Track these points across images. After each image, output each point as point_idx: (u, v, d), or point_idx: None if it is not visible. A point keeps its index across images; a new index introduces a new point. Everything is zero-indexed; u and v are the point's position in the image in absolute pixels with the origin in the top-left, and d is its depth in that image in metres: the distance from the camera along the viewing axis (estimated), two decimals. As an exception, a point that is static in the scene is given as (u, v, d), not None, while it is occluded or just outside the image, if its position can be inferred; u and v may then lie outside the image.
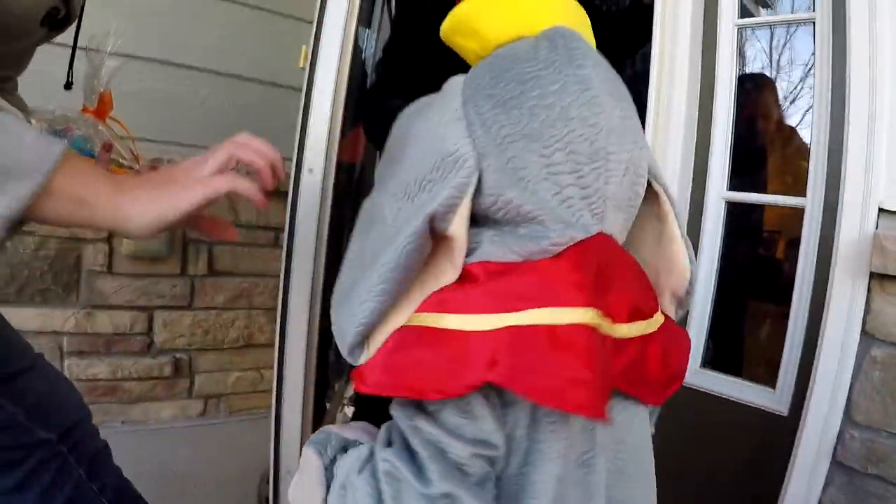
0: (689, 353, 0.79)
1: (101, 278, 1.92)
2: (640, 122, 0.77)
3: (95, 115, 1.19)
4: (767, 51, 2.89)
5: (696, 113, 1.60)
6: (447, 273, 0.72)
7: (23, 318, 1.87)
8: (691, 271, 0.80)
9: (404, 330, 0.70)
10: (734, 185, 1.64)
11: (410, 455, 0.68)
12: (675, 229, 0.80)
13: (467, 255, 0.73)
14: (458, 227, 0.71)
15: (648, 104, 1.57)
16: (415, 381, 0.66)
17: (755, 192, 2.17)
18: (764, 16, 2.57)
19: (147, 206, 0.77)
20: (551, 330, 0.66)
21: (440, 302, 0.70)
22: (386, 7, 1.95)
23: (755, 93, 2.27)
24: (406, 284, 0.71)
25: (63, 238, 1.88)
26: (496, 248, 0.73)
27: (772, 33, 2.76)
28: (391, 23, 1.82)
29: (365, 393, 0.68)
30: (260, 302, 2.21)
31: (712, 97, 1.58)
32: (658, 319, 0.75)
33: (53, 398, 1.18)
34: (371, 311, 0.69)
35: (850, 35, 1.33)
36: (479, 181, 0.72)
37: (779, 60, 2.88)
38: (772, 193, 2.24)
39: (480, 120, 0.76)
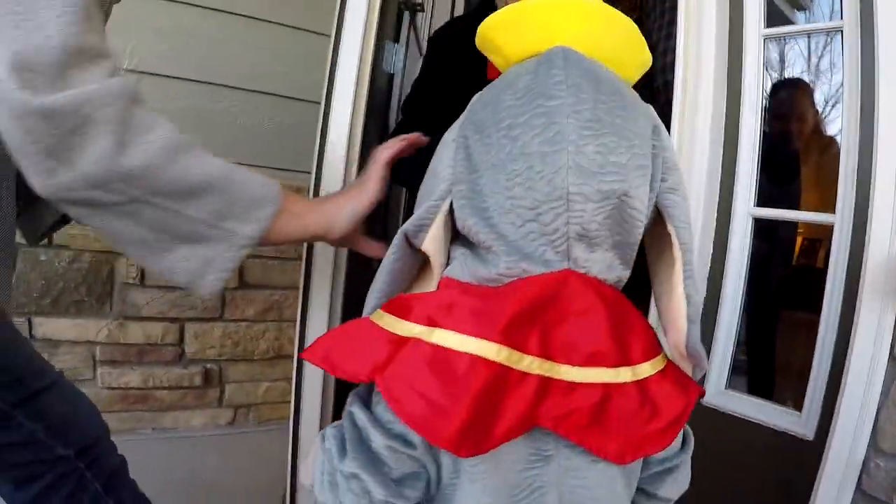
0: (686, 410, 0.72)
1: (133, 290, 1.96)
2: (641, 154, 0.72)
3: None
4: (806, 55, 2.81)
5: (723, 128, 1.55)
6: (431, 282, 0.79)
7: (58, 328, 1.92)
8: (688, 331, 0.74)
9: (362, 320, 0.76)
10: (767, 195, 1.60)
11: (343, 436, 0.73)
12: (679, 281, 0.75)
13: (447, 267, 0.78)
14: (429, 244, 0.76)
15: (672, 119, 1.53)
16: (333, 358, 0.71)
17: (788, 201, 2.12)
18: (800, 23, 2.50)
19: (342, 207, 0.96)
20: (445, 354, 0.66)
21: (390, 303, 0.75)
22: (412, 27, 1.94)
23: (789, 99, 2.19)
24: (395, 287, 0.80)
25: (96, 252, 1.92)
26: (460, 267, 0.76)
27: (809, 36, 2.67)
28: (423, 61, 1.81)
29: (301, 357, 0.75)
30: (290, 314, 2.22)
31: (738, 111, 1.54)
32: (643, 371, 0.71)
33: (73, 416, 1.22)
34: (371, 308, 0.77)
35: (878, 44, 1.28)
36: (453, 204, 0.75)
37: (818, 64, 2.80)
38: (806, 203, 2.18)
39: (465, 144, 0.77)
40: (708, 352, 1.55)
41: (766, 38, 1.52)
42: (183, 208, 0.78)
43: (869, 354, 1.27)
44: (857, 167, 1.36)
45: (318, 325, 1.43)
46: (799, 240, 2.63)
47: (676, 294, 0.75)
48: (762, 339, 2.40)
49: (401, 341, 0.69)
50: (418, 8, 1.83)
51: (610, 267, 0.74)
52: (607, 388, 0.67)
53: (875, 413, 1.27)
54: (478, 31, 0.86)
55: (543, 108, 0.71)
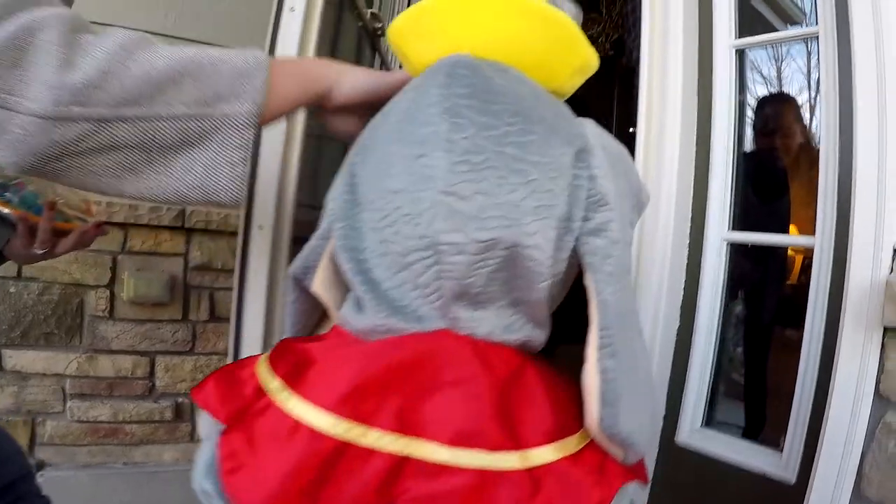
0: None
1: (102, 323, 1.86)
2: (546, 191, 0.58)
3: None
4: (805, 70, 2.64)
5: (693, 146, 1.40)
6: (331, 324, 0.70)
7: (27, 360, 1.83)
8: (600, 414, 0.58)
9: (254, 358, 0.67)
10: (754, 213, 1.44)
11: (213, 452, 0.61)
12: (592, 349, 0.59)
13: None
14: (318, 288, 0.67)
15: (637, 138, 1.39)
16: (210, 393, 0.62)
17: (776, 220, 1.94)
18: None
19: (357, 74, 0.78)
20: (284, 421, 0.55)
21: (275, 347, 0.66)
22: (377, 53, 1.82)
23: (774, 114, 2.03)
24: (304, 324, 0.74)
25: (66, 284, 1.83)
26: (343, 315, 0.65)
27: (808, 50, 2.51)
28: None
29: (189, 394, 0.69)
30: (265, 344, 2.10)
31: (709, 128, 1.38)
32: (540, 456, 0.56)
33: None
34: None
35: (854, 50, 1.12)
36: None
37: (818, 80, 2.61)
38: (797, 222, 1.99)
39: (351, 172, 0.64)
40: (681, 387, 1.39)
41: (739, 50, 1.37)
42: (160, 109, 0.64)
43: (852, 391, 1.11)
44: (836, 184, 1.21)
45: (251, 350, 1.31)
46: (799, 258, 2.44)
47: (589, 365, 0.59)
48: (758, 361, 2.22)
49: (260, 395, 0.59)
50: (379, 32, 1.71)
51: (509, 328, 0.60)
52: (484, 474, 0.53)
53: (860, 456, 1.10)
54: (387, 33, 0.75)
55: (415, 137, 0.58)
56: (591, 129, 0.65)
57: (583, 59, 0.70)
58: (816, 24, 1.21)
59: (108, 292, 1.87)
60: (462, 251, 0.56)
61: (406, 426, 0.54)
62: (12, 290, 1.82)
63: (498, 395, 0.57)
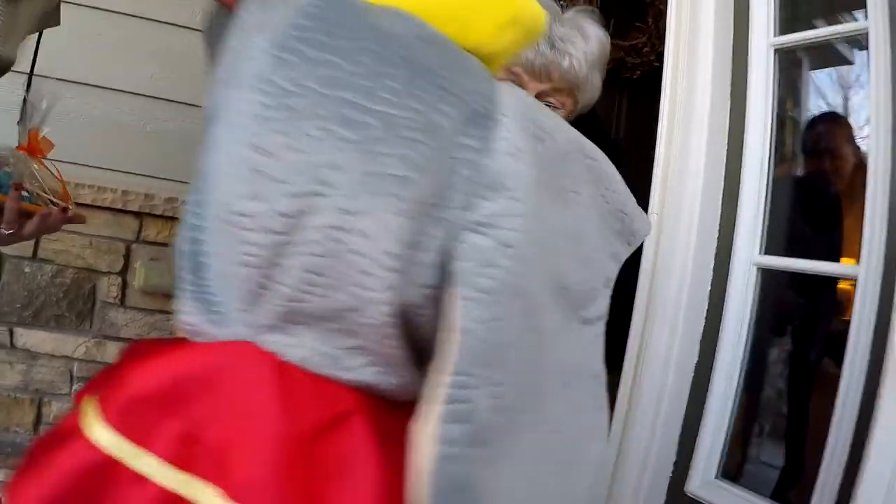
0: None
1: (113, 310, 1.79)
2: (396, 156, 0.40)
3: (29, 152, 1.06)
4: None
5: (723, 158, 1.18)
6: None
7: (37, 340, 1.78)
8: None
9: None
10: (805, 243, 1.22)
11: None
12: (433, 402, 0.40)
13: None
14: None
15: (658, 147, 1.19)
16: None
17: (828, 254, 1.68)
18: (857, 62, 2.06)
19: None
20: (73, 427, 0.44)
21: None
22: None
23: (825, 134, 1.76)
24: None
25: (79, 268, 1.77)
26: None
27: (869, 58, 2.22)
28: None
29: None
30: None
31: (742, 138, 1.16)
32: None
33: None
34: None
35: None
36: None
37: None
38: (852, 254, 1.72)
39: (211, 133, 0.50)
40: (695, 431, 1.16)
41: (780, 50, 1.15)
42: None
43: (892, 452, 0.88)
44: (887, 205, 0.98)
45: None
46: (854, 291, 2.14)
47: (419, 430, 0.40)
48: (801, 404, 1.94)
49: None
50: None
51: (336, 362, 0.43)
52: None
53: (897, 536, 0.86)
54: None
55: (238, 78, 0.44)
56: (511, 96, 0.46)
57: (512, 11, 0.50)
58: (866, 18, 0.99)
59: (120, 280, 1.80)
60: (263, 227, 0.40)
61: (186, 459, 0.40)
62: (27, 270, 1.77)
63: (298, 450, 0.40)
